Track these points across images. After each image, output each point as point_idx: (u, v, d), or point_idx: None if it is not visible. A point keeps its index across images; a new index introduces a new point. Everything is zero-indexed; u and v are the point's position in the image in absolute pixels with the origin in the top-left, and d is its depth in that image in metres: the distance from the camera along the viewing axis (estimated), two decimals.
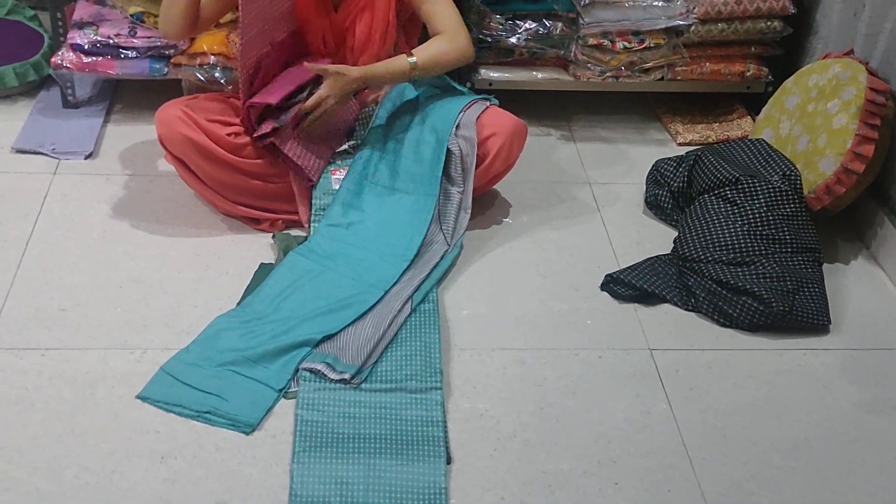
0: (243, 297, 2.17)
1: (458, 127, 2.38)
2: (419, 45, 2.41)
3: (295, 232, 2.40)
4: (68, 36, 2.72)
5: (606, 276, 2.33)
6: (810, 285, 2.28)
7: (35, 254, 2.28)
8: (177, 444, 1.82)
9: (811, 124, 2.49)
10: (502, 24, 2.78)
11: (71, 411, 1.87)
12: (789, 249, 2.33)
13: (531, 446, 1.89)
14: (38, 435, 1.81)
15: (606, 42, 2.77)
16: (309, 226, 2.36)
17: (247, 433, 1.85)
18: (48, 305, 2.13)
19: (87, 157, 2.65)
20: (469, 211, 2.38)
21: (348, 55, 2.44)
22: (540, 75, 2.89)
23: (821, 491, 1.85)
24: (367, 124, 2.50)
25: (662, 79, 2.90)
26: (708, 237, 2.33)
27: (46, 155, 2.64)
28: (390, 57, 2.43)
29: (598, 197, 2.68)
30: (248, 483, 1.76)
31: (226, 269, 2.28)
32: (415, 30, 2.56)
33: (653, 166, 2.67)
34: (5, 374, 1.94)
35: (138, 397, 1.90)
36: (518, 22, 2.79)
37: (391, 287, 2.19)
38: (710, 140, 2.94)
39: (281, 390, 1.94)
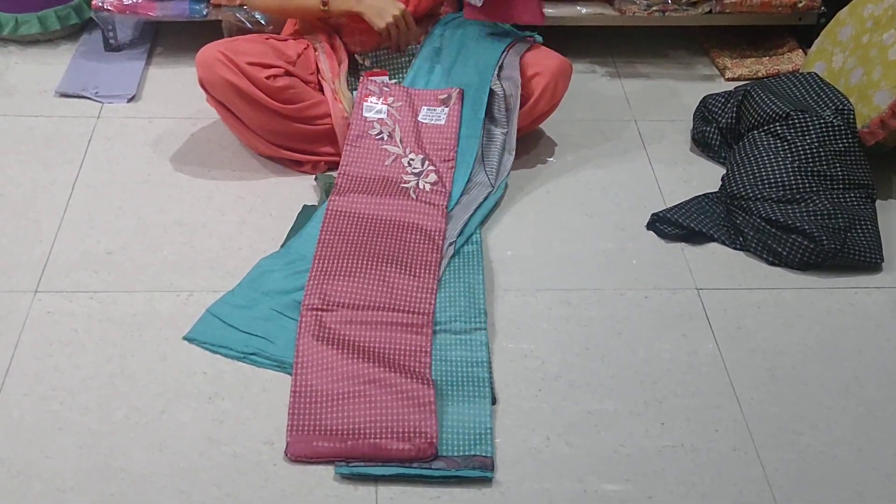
0: (287, 238, 2.18)
1: (501, 67, 2.34)
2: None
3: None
4: None
5: (653, 215, 2.30)
6: (862, 222, 2.23)
7: (81, 198, 2.29)
8: (224, 385, 1.84)
9: (865, 56, 2.41)
10: None
11: (120, 353, 1.89)
12: (841, 186, 2.28)
13: (576, 387, 1.88)
14: (88, 376, 1.84)
15: None
16: None
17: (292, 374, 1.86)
18: (95, 249, 2.15)
19: (129, 101, 2.65)
20: (513, 152, 2.35)
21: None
22: (584, 10, 2.82)
23: (871, 431, 1.82)
24: (409, 67, 2.47)
25: (710, 12, 2.82)
26: (757, 174, 2.29)
27: (90, 98, 2.65)
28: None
29: (644, 135, 2.63)
30: None
31: (269, 211, 2.28)
32: None
33: (700, 102, 2.62)
34: (55, 316, 1.97)
35: (185, 339, 1.92)
36: None
37: None
38: (759, 74, 2.87)
39: None
